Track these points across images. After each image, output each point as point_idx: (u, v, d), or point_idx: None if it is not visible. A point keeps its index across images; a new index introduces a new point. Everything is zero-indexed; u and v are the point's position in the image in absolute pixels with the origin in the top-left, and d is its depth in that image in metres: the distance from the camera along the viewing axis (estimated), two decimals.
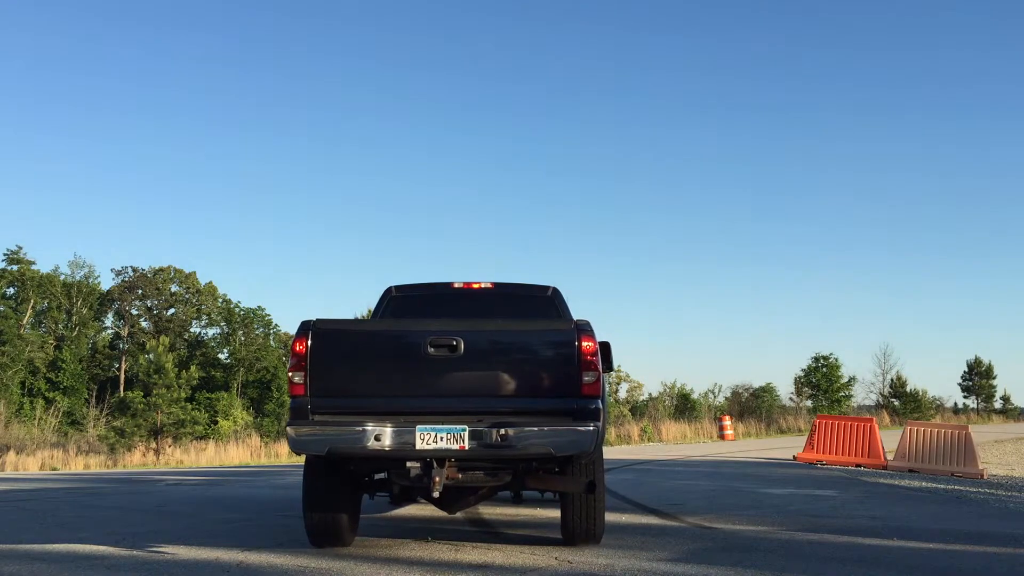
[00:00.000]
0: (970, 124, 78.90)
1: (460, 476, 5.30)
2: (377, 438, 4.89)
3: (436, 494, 5.07)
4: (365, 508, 6.37)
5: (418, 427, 4.94)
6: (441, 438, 4.95)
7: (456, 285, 7.23)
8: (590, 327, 5.37)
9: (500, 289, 7.26)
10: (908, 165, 79.23)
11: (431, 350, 5.17)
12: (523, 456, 5.12)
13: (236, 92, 79.49)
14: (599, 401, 5.22)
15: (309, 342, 5.19)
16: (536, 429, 4.97)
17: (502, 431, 4.90)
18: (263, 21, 79.97)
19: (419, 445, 4.92)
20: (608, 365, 6.80)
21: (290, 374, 5.23)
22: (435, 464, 4.99)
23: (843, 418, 16.17)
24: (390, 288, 7.28)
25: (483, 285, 7.26)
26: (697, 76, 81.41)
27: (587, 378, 5.19)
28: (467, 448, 4.92)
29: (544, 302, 7.20)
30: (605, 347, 6.44)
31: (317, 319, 5.30)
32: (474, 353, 5.22)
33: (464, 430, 4.95)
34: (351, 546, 5.69)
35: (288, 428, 5.07)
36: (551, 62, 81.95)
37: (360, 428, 4.90)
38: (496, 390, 5.24)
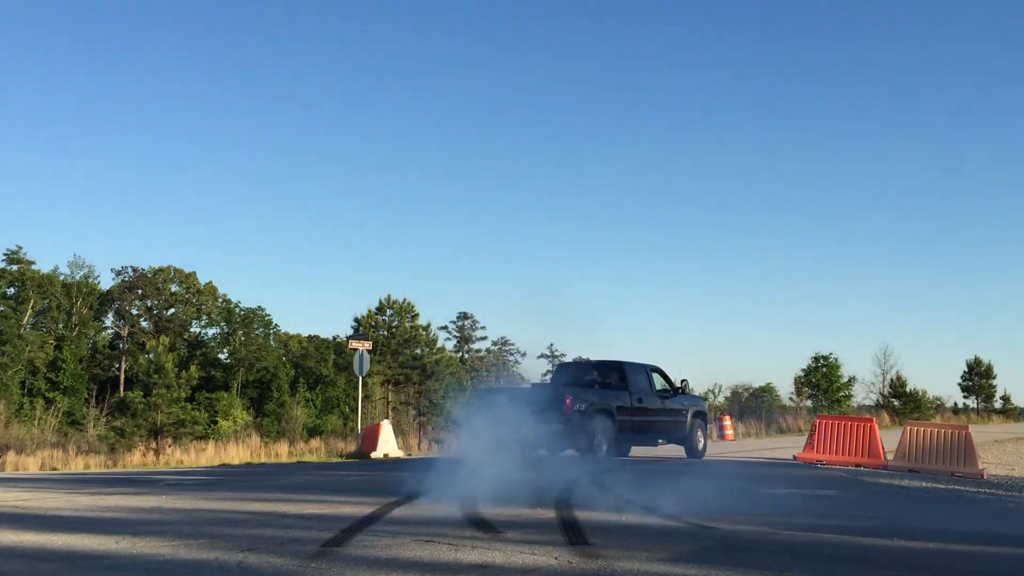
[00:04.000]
0: (970, 124, 78.89)
1: None
2: None
3: None
4: (365, 508, 6.34)
5: None
6: None
7: None
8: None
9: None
10: (908, 164, 79.21)
11: None
12: None
13: (236, 91, 79.50)
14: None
15: None
16: None
17: None
18: (263, 21, 79.97)
19: None
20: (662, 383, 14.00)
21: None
22: None
23: (843, 418, 16.17)
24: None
25: None
26: (698, 73, 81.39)
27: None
28: None
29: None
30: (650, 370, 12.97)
31: None
32: None
33: None
34: (351, 546, 5.69)
35: None
36: (550, 63, 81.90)
37: None
38: None
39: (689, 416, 16.35)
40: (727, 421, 31.67)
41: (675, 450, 17.24)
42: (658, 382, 16.00)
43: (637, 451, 18.39)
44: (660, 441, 15.88)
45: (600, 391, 14.41)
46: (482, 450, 10.91)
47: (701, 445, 16.64)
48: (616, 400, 14.34)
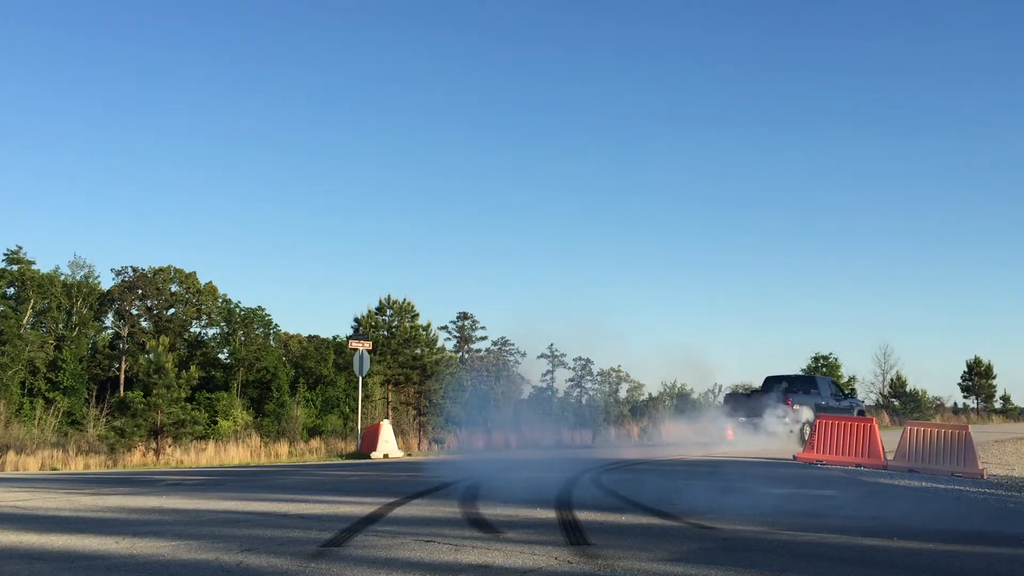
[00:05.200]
0: (971, 123, 78.90)
1: None
2: None
3: None
4: (365, 508, 6.34)
5: None
6: None
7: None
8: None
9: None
10: (908, 164, 79.23)
11: None
12: None
13: (236, 91, 79.52)
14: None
15: None
16: None
17: None
18: (263, 21, 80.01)
19: None
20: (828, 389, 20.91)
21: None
22: None
23: (843, 418, 16.16)
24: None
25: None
26: (698, 72, 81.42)
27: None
28: None
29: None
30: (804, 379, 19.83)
31: None
32: None
33: None
34: (350, 546, 5.69)
35: None
36: (551, 60, 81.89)
37: None
38: None
39: (855, 412, 22.55)
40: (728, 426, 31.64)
41: (677, 450, 17.21)
42: (834, 388, 23.61)
43: (637, 452, 18.36)
44: None
45: (802, 395, 21.54)
46: (746, 428, 20.93)
47: None
48: (812, 400, 21.44)
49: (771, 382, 22.74)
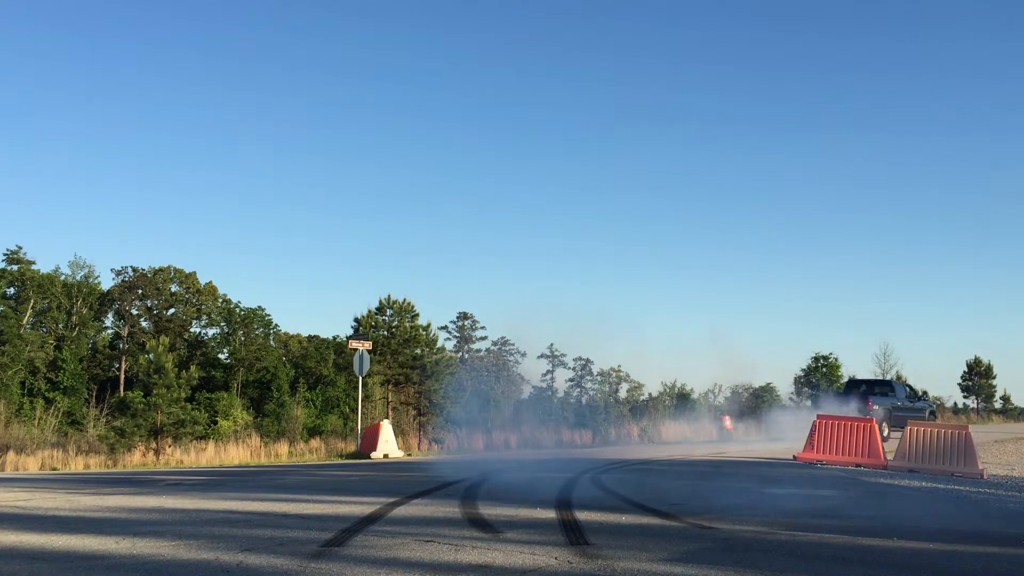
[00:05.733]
0: (971, 122, 78.92)
1: None
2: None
3: None
4: (365, 508, 6.34)
5: None
6: None
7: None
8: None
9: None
10: (908, 163, 79.24)
11: None
12: None
13: (236, 91, 79.53)
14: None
15: None
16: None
17: None
18: (263, 21, 80.00)
19: None
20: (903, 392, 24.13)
21: None
22: None
23: (843, 418, 16.15)
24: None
25: None
26: (697, 71, 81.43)
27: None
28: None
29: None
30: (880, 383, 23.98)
31: None
32: None
33: None
34: (350, 546, 5.69)
35: None
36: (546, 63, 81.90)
37: None
38: None
39: (926, 413, 25.36)
40: (727, 421, 31.69)
41: (677, 450, 17.21)
42: (908, 391, 26.00)
43: (637, 451, 18.38)
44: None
45: (880, 397, 23.99)
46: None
47: None
48: (889, 401, 23.99)
49: (852, 385, 25.58)
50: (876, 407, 23.02)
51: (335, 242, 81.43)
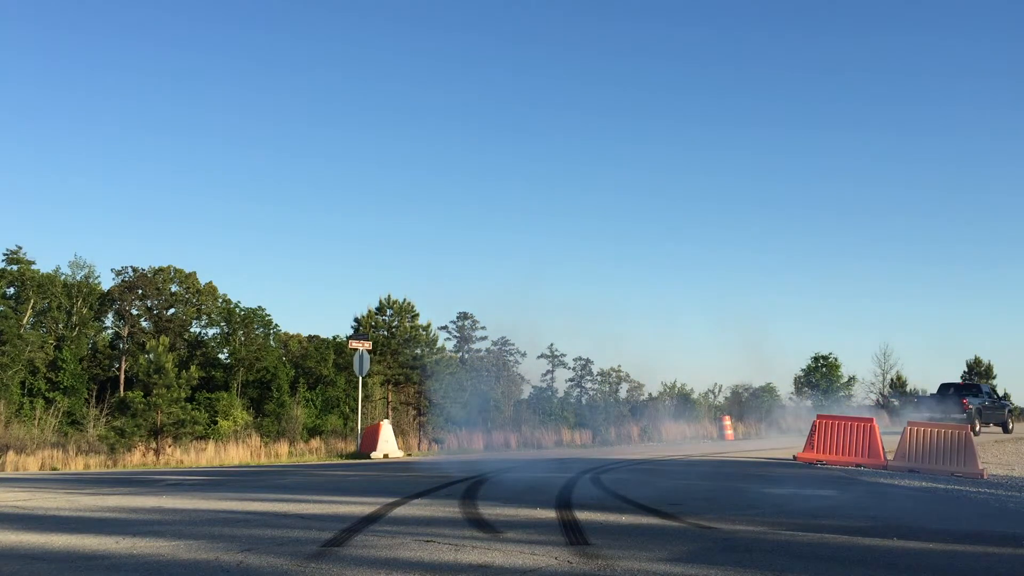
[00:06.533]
0: (972, 122, 78.94)
1: None
2: None
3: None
4: (365, 508, 6.34)
5: None
6: None
7: None
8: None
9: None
10: (908, 163, 79.26)
11: None
12: None
13: (236, 90, 79.56)
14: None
15: None
16: None
17: None
18: (263, 20, 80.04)
19: None
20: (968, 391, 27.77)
21: None
22: None
23: (843, 418, 16.14)
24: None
25: None
26: (697, 71, 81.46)
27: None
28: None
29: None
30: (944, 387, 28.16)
31: None
32: None
33: None
34: (350, 546, 5.69)
35: None
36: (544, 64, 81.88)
37: None
38: None
39: (1005, 412, 29.38)
40: (727, 421, 31.68)
41: (677, 450, 17.21)
42: (992, 392, 30.37)
43: (637, 451, 18.39)
44: (991, 424, 28.51)
45: (972, 398, 27.04)
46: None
47: (1010, 427, 29.25)
48: (979, 401, 27.26)
49: (944, 388, 29.06)
50: (971, 406, 26.40)
51: (335, 242, 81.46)
